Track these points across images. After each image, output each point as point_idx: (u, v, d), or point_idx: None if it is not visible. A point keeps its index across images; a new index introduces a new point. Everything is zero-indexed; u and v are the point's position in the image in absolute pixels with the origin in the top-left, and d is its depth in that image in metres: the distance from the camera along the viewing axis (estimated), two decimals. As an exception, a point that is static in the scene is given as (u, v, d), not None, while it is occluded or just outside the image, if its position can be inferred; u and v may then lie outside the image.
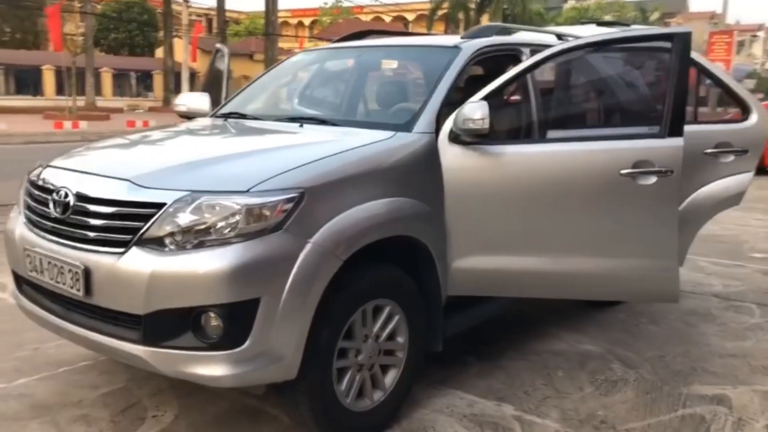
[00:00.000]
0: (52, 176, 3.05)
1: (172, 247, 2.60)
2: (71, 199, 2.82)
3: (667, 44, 3.31)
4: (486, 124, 3.06)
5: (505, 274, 3.36)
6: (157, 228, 2.62)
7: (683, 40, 3.24)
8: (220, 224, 2.59)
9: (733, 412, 3.42)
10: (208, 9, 43.86)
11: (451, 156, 3.24)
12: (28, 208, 3.14)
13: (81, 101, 31.87)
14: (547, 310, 4.84)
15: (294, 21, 74.78)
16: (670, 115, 3.20)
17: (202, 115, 4.24)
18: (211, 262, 2.54)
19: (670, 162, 3.18)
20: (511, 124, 3.50)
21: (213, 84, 5.12)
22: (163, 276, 2.56)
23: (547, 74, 3.56)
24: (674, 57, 3.24)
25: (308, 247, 2.68)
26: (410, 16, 68.41)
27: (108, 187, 2.77)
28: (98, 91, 37.16)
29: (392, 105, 3.72)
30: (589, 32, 4.81)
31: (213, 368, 2.59)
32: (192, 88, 33.85)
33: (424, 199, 3.16)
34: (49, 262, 2.86)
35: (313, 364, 2.76)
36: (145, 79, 44.19)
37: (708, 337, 4.48)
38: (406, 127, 3.29)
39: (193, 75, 32.83)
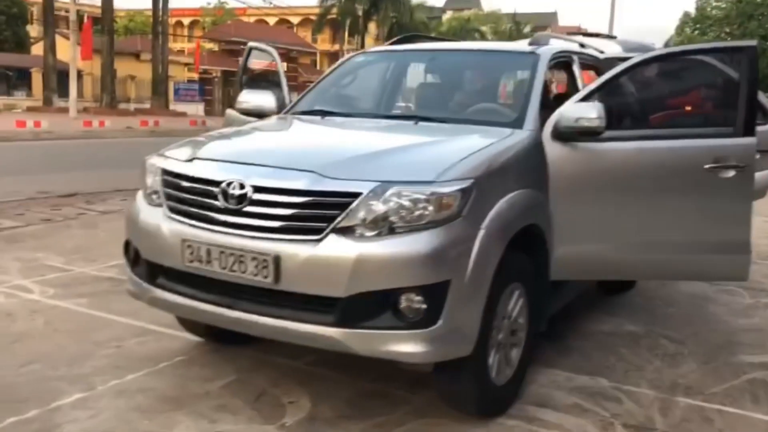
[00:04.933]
0: (208, 169, 3.10)
1: (367, 233, 2.76)
2: (248, 191, 2.89)
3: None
4: (603, 123, 3.40)
5: (600, 259, 3.72)
6: (352, 216, 2.77)
7: (750, 52, 3.73)
8: (413, 212, 2.78)
9: (786, 375, 3.96)
10: (90, 6, 41.75)
11: (554, 151, 3.57)
12: (173, 199, 3.16)
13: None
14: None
15: (172, 21, 72.59)
16: (743, 116, 3.67)
17: (269, 112, 4.30)
18: (411, 247, 2.73)
19: (745, 158, 3.65)
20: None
21: (250, 83, 5.19)
22: (367, 260, 2.72)
23: (636, 78, 3.93)
24: (743, 67, 3.72)
25: (482, 232, 2.92)
26: (295, 20, 68.32)
27: (291, 178, 2.88)
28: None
29: (489, 104, 4.00)
30: (602, 43, 5.29)
31: (409, 346, 2.77)
32: (80, 88, 32.24)
33: (540, 190, 3.47)
34: (222, 252, 2.92)
35: (480, 341, 2.99)
36: (20, 77, 41.27)
37: (721, 316, 5.07)
38: (518, 124, 3.58)
39: (79, 74, 31.07)
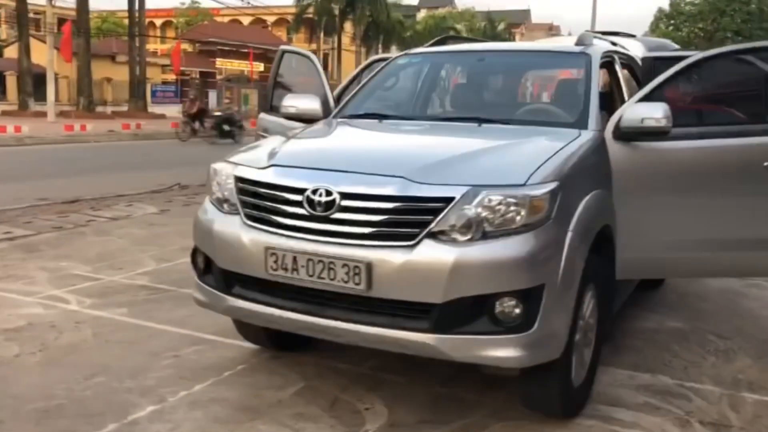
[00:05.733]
0: (290, 175, 3.06)
1: (461, 238, 2.75)
2: (336, 198, 2.86)
3: None
4: (669, 123, 3.42)
5: (664, 257, 3.75)
6: (445, 221, 2.76)
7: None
8: (505, 216, 2.78)
9: (837, 367, 4.02)
10: (62, 8, 40.84)
11: (616, 151, 3.59)
12: (251, 207, 3.12)
13: None
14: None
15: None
16: (799, 114, 3.73)
17: (316, 116, 4.25)
18: (508, 251, 2.73)
19: (802, 155, 3.70)
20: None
21: (283, 87, 5.15)
22: (465, 265, 2.71)
23: (690, 77, 3.96)
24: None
25: (569, 235, 2.94)
26: (269, 20, 67.96)
27: (381, 184, 2.86)
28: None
29: (547, 105, 4.01)
30: (624, 42, 5.30)
31: (506, 351, 2.77)
32: (56, 92, 31.66)
33: (608, 190, 3.48)
34: (309, 260, 2.88)
35: (567, 343, 3.00)
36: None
37: (756, 311, 5.14)
38: (582, 125, 3.60)
39: (54, 77, 30.48)
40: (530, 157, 3.07)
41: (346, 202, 2.86)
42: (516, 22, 77.72)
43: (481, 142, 3.43)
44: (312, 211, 2.91)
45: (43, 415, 3.18)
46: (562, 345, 2.93)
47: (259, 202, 3.10)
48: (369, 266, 2.78)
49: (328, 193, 2.88)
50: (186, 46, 53.59)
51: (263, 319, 3.15)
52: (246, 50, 48.87)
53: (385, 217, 2.82)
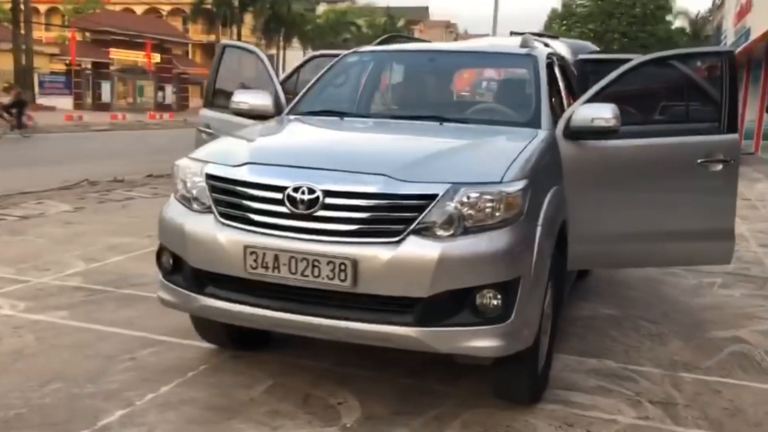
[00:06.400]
0: (269, 174, 3.04)
1: (444, 234, 2.84)
2: (319, 195, 2.88)
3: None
4: (618, 122, 3.64)
5: (609, 249, 4.00)
6: (428, 217, 2.84)
7: (730, 57, 4.11)
8: (484, 211, 2.89)
9: (757, 347, 4.39)
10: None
11: (566, 149, 3.79)
12: (225, 205, 3.08)
13: None
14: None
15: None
16: (727, 115, 4.04)
17: (267, 112, 4.22)
18: (490, 245, 2.86)
19: (731, 152, 4.02)
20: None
21: (225, 83, 5.09)
22: (450, 260, 2.80)
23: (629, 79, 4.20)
24: (725, 69, 4.09)
25: (539, 229, 3.09)
26: (164, 9, 65.82)
27: (364, 182, 2.90)
28: None
29: (499, 105, 4.15)
30: (551, 43, 5.56)
31: (486, 341, 2.89)
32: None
33: (563, 186, 3.67)
34: (292, 258, 2.89)
35: (537, 332, 3.15)
36: None
37: (678, 296, 5.53)
38: (536, 124, 3.77)
39: None
40: (501, 155, 3.20)
41: (329, 200, 2.88)
42: (415, 19, 78.78)
43: (450, 140, 3.52)
44: (293, 209, 2.91)
45: (3, 426, 3.03)
46: (534, 334, 3.08)
47: (234, 200, 3.07)
48: (354, 263, 2.82)
49: (311, 191, 2.90)
50: (77, 35, 51.11)
51: (240, 318, 3.12)
52: (141, 40, 47.09)
53: (369, 214, 2.87)
